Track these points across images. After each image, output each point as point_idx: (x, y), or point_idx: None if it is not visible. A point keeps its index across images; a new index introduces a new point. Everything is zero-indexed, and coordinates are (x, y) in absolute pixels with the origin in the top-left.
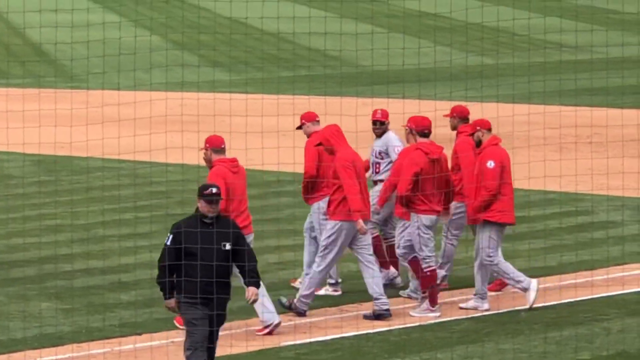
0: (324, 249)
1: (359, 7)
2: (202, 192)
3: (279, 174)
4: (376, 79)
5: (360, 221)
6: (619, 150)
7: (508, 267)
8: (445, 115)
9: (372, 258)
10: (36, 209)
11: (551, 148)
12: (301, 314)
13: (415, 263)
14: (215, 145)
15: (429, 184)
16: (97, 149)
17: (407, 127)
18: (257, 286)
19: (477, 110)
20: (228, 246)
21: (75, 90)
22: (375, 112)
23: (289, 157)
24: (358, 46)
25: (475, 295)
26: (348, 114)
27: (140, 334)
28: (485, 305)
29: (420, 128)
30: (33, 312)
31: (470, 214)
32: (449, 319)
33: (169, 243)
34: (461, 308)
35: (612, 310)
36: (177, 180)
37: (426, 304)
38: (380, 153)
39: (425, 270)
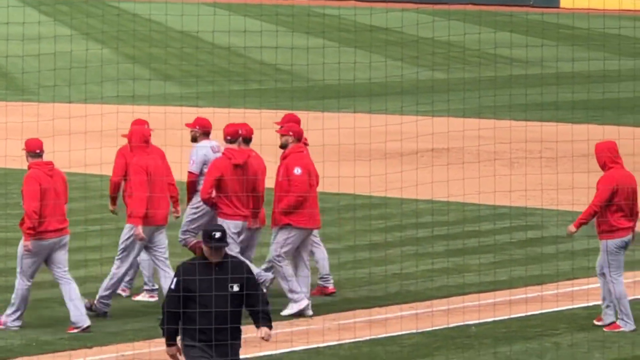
0: (122, 252)
1: (311, 21)
2: (206, 237)
3: None
4: (327, 93)
5: (139, 227)
6: (569, 166)
7: (291, 273)
8: (277, 122)
9: (167, 261)
10: None
11: (501, 163)
12: (102, 314)
13: None
14: (31, 149)
15: (231, 189)
16: None
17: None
18: (270, 327)
19: (427, 125)
20: (236, 288)
21: (26, 103)
22: None
23: None
24: (309, 60)
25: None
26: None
27: (90, 347)
28: (305, 303)
29: (227, 135)
30: None
31: (275, 217)
32: (399, 332)
33: (173, 287)
34: (283, 315)
35: (561, 325)
36: None
37: None
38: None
39: None
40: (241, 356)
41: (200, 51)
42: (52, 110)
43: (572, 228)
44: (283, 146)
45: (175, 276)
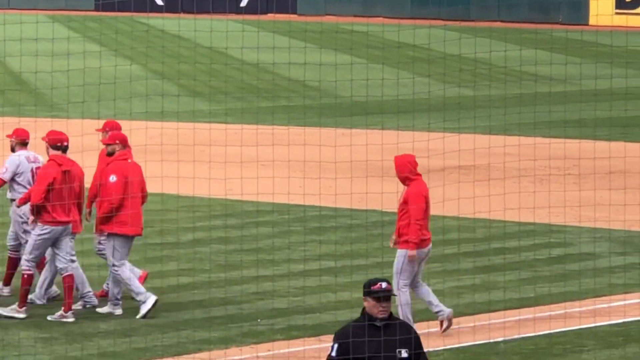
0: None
1: (339, 37)
2: (369, 288)
3: (258, 204)
4: (355, 110)
5: None
6: (591, 183)
7: (131, 277)
8: (98, 130)
9: None
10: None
11: (527, 180)
12: None
13: (69, 278)
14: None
15: (59, 195)
16: None
17: (45, 141)
18: None
19: (454, 141)
20: (405, 353)
21: (55, 119)
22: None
23: (268, 187)
24: (337, 77)
25: (110, 301)
26: (327, 144)
27: None
28: (118, 311)
29: (52, 141)
30: (12, 341)
31: (96, 225)
32: (427, 349)
33: (334, 354)
34: (97, 312)
35: (588, 341)
36: (156, 209)
37: (16, 305)
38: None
39: (23, 272)
40: None
41: (229, 68)
42: (81, 126)
43: (412, 253)
44: (110, 154)
45: (335, 340)
